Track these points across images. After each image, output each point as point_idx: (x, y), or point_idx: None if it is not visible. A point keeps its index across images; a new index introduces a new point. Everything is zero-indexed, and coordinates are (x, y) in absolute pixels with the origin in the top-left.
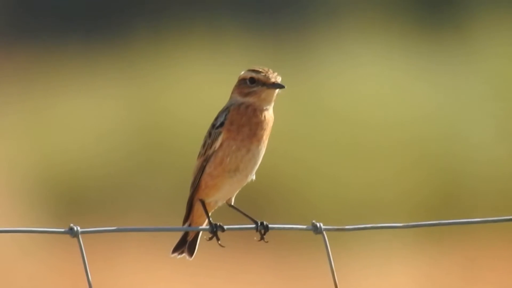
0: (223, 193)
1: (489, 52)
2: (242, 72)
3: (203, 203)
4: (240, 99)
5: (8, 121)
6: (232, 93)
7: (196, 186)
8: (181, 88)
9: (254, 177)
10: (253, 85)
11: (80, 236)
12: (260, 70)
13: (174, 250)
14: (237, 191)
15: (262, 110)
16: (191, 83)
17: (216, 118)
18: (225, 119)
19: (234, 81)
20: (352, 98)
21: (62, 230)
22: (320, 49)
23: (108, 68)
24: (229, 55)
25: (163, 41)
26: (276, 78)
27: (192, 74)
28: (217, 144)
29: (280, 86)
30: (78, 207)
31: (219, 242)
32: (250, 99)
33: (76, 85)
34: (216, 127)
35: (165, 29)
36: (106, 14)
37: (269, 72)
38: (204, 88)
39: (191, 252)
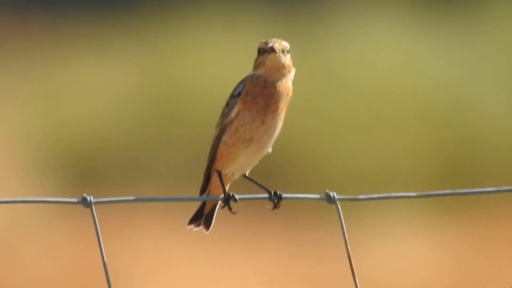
0: (238, 164)
1: (503, 21)
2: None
3: (219, 174)
4: (254, 71)
5: (21, 89)
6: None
7: (212, 155)
8: (194, 57)
9: (270, 150)
10: (258, 55)
11: (93, 206)
12: (265, 40)
13: (190, 222)
14: (254, 164)
15: (274, 81)
16: (205, 52)
17: (235, 89)
18: (242, 89)
19: (248, 50)
20: (366, 68)
21: (75, 200)
22: (334, 19)
23: (121, 37)
24: (243, 25)
25: (176, 9)
26: (280, 43)
27: (205, 43)
28: (233, 113)
29: (272, 49)
30: (91, 177)
31: (232, 210)
32: (259, 71)
33: (88, 54)
34: (234, 96)
35: None
36: None
37: (269, 40)
38: (218, 57)
39: (207, 225)
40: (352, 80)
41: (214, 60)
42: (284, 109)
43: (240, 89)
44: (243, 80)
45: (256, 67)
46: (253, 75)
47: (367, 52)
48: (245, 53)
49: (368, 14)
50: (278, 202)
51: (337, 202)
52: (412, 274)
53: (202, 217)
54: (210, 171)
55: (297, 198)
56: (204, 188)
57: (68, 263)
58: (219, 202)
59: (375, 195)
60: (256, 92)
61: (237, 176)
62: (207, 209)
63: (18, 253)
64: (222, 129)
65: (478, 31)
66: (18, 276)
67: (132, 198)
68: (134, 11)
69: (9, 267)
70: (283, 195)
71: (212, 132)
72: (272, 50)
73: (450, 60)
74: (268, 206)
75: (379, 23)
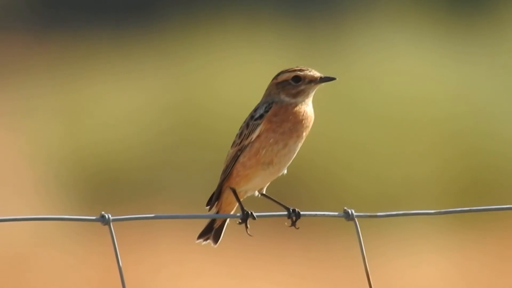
0: (253, 184)
1: None
2: (280, 74)
3: (234, 191)
4: (287, 99)
5: (41, 104)
6: (271, 93)
7: (227, 174)
8: (214, 68)
9: (285, 172)
10: (299, 83)
11: (111, 223)
12: (303, 68)
13: (200, 236)
14: (268, 183)
15: (307, 107)
16: (224, 64)
17: (255, 110)
18: (265, 111)
19: (268, 60)
20: (386, 81)
21: (93, 218)
22: (353, 35)
23: (141, 51)
24: (263, 37)
25: (196, 21)
26: (315, 72)
27: (225, 55)
28: (254, 135)
29: (330, 78)
30: (112, 195)
31: (248, 230)
32: (299, 99)
33: (108, 68)
34: (255, 118)
35: (198, 11)
36: None
37: (307, 68)
38: (239, 81)
39: (216, 239)
40: (371, 103)
41: (235, 84)
42: (307, 134)
43: (262, 111)
44: (266, 102)
45: (295, 94)
46: (284, 100)
47: (388, 75)
48: (264, 63)
49: (387, 29)
50: (296, 220)
51: (356, 219)
52: None
53: (212, 232)
54: (222, 188)
55: (316, 215)
56: (214, 203)
57: (86, 279)
58: (237, 219)
59: (394, 212)
60: (286, 117)
61: (250, 193)
62: (217, 223)
63: (40, 268)
64: (240, 149)
65: (497, 44)
66: None
67: (151, 215)
68: (154, 25)
69: (29, 283)
70: (302, 213)
71: (229, 150)
72: (322, 80)
73: (469, 72)
74: (286, 223)
75: (402, 44)
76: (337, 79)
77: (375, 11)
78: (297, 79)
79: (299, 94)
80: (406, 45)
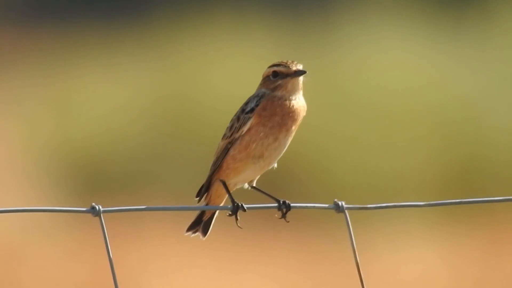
0: (243, 177)
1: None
2: (266, 69)
3: (224, 183)
4: (273, 93)
5: (31, 96)
6: (260, 87)
7: (217, 166)
8: (203, 60)
9: (275, 166)
10: (276, 78)
11: (102, 215)
12: (280, 62)
13: (189, 229)
14: (258, 176)
15: (292, 100)
16: (213, 56)
17: (246, 103)
18: (256, 105)
19: (257, 53)
20: (376, 74)
21: (84, 209)
22: (343, 28)
23: (130, 43)
24: (252, 30)
25: (185, 13)
26: (296, 66)
27: (214, 48)
28: (245, 128)
29: (302, 72)
30: (103, 186)
31: (238, 222)
32: (278, 93)
33: (98, 60)
34: (246, 112)
35: (187, 3)
36: None
37: (288, 62)
38: (226, 61)
39: (204, 232)
40: (361, 96)
41: (224, 76)
42: (297, 127)
43: (253, 104)
44: (257, 95)
45: (273, 88)
46: (269, 93)
47: (377, 68)
48: (254, 56)
49: (377, 21)
50: (286, 212)
51: (346, 211)
52: (420, 281)
53: (201, 224)
54: (212, 180)
55: (306, 207)
56: (203, 195)
57: (77, 270)
58: (227, 211)
59: (384, 204)
60: (275, 110)
61: (239, 186)
62: (206, 216)
63: (30, 259)
64: (230, 142)
65: (487, 37)
66: (29, 282)
67: (142, 207)
68: (143, 19)
69: (20, 274)
70: (292, 204)
71: (219, 143)
72: (296, 74)
73: (458, 63)
74: (276, 215)
75: (392, 37)
76: (307, 72)
77: (365, 3)
78: (275, 74)
79: (277, 88)
80: (395, 38)
